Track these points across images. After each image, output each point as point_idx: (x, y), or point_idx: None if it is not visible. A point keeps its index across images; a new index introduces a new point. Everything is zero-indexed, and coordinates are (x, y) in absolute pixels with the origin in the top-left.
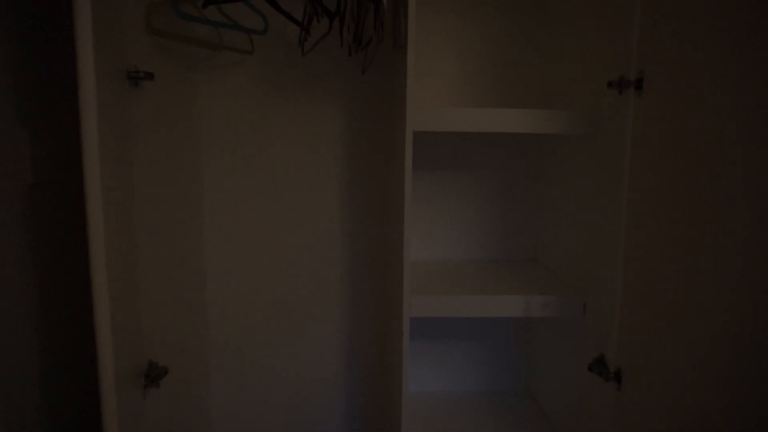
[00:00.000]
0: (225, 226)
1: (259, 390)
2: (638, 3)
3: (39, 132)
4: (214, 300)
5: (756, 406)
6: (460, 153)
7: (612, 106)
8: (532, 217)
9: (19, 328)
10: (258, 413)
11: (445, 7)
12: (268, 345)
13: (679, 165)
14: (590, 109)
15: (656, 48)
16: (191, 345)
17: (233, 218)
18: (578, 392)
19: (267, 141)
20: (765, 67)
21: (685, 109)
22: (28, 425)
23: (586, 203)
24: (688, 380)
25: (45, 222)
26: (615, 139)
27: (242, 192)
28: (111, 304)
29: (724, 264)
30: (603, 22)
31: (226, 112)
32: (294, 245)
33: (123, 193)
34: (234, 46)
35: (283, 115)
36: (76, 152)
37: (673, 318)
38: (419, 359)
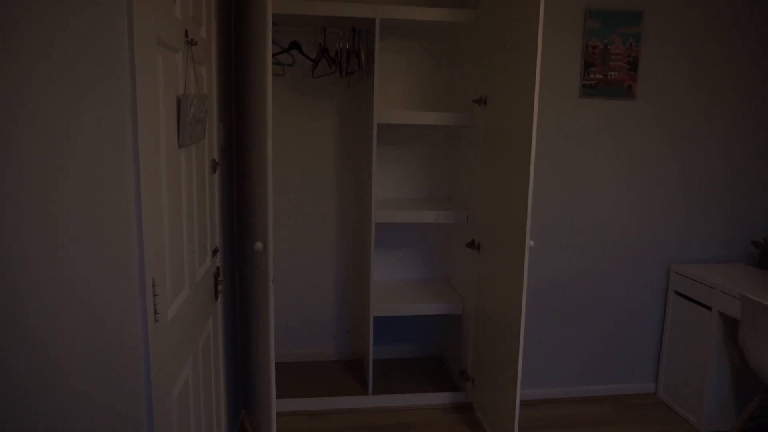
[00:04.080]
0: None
1: (293, 270)
2: (484, 67)
3: (221, 122)
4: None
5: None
6: (405, 135)
7: (476, 112)
8: (448, 173)
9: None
10: (293, 275)
11: (399, 50)
12: (294, 255)
13: (497, 141)
14: (469, 113)
15: (490, 85)
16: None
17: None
18: (463, 260)
19: (291, 122)
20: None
21: (498, 114)
22: None
23: (468, 165)
24: (502, 246)
25: (223, 162)
26: (478, 129)
27: (277, 150)
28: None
29: (513, 190)
30: (472, 72)
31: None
32: (307, 186)
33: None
34: (273, 72)
35: (302, 108)
36: (234, 129)
37: (495, 219)
38: (379, 260)
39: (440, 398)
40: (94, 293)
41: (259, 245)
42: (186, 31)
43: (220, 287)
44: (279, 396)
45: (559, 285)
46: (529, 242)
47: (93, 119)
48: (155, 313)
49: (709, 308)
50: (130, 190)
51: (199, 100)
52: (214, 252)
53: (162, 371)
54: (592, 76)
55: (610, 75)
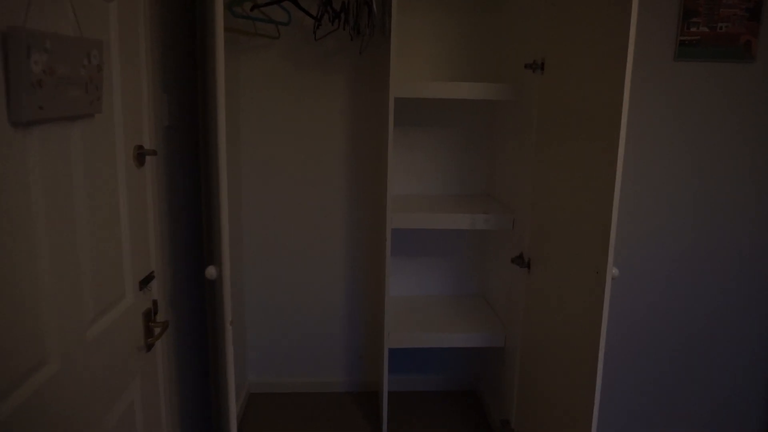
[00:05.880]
0: (257, 158)
1: (294, 284)
2: (542, 20)
3: (171, 96)
4: (249, 214)
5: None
6: (432, 113)
7: (528, 81)
8: (486, 162)
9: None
10: (294, 290)
11: (424, 6)
12: (295, 266)
13: (560, 121)
14: (517, 83)
15: (550, 46)
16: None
17: (262, 153)
18: (506, 276)
19: (289, 99)
20: (590, 66)
21: (562, 83)
22: None
23: (516, 152)
24: (559, 264)
25: (173, 147)
26: (530, 104)
27: (266, 134)
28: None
29: (585, 191)
30: (524, 28)
31: (259, 77)
32: (309, 181)
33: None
34: (265, 33)
35: (301, 82)
36: (191, 107)
37: (555, 228)
38: (398, 271)
39: None
40: None
41: (211, 271)
42: None
43: (156, 331)
44: None
45: (642, 309)
46: (612, 270)
47: None
48: None
49: None
50: None
51: (63, 45)
52: (145, 281)
53: None
54: (693, 29)
55: (720, 27)
